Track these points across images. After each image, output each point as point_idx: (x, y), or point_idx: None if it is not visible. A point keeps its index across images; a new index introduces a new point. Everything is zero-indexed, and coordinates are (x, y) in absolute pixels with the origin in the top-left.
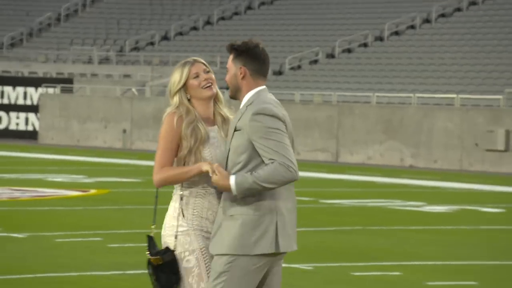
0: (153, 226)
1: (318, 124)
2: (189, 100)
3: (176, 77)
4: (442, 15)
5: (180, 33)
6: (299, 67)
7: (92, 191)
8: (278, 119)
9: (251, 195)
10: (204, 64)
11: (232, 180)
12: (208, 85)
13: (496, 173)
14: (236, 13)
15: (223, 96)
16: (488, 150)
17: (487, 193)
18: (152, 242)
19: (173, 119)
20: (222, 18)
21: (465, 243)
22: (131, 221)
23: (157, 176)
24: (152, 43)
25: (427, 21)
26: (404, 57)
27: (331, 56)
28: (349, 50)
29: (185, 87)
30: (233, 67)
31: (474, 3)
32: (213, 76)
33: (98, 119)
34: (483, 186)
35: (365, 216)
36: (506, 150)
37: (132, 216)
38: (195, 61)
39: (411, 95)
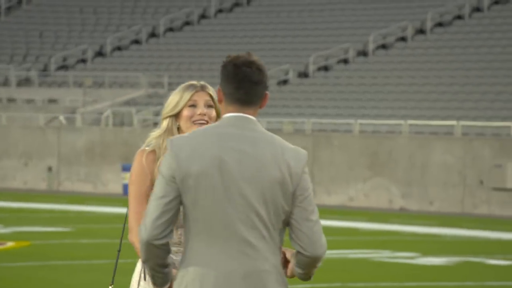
0: (110, 287)
1: None
2: (178, 129)
3: (174, 100)
4: (439, 24)
5: (119, 48)
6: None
7: (10, 244)
8: (168, 156)
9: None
10: (211, 96)
11: None
12: (201, 121)
13: (505, 216)
14: (187, 23)
15: None
16: (495, 189)
17: (494, 241)
18: None
19: (142, 156)
20: (170, 29)
21: None
22: (58, 281)
23: (134, 239)
24: (83, 60)
25: (420, 31)
26: (393, 76)
27: (304, 75)
28: (325, 68)
29: (178, 114)
30: None
31: (478, 10)
32: (213, 113)
33: (16, 155)
34: (489, 233)
35: (346, 270)
36: None
37: (59, 275)
38: (202, 88)
39: (402, 122)
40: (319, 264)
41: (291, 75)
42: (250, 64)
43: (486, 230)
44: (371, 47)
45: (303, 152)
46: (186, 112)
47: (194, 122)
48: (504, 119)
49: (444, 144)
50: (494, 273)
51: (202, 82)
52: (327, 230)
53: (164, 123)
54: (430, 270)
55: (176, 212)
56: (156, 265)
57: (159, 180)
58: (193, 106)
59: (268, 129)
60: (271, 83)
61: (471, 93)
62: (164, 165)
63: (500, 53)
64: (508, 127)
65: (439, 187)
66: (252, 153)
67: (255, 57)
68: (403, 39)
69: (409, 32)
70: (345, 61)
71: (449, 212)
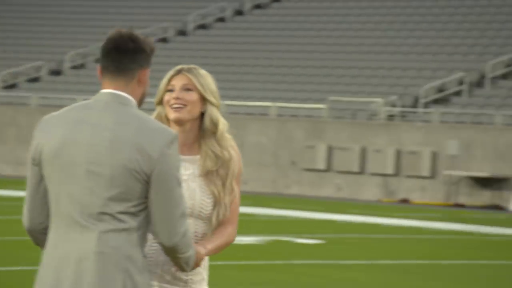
0: None
1: None
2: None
3: (161, 84)
4: (258, 6)
5: None
6: (82, 65)
7: None
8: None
9: None
10: (193, 79)
11: None
12: (176, 106)
13: (315, 197)
14: None
15: (223, 126)
16: (306, 170)
17: (303, 221)
18: None
19: None
20: None
21: (276, 281)
22: None
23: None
24: None
25: (239, 12)
26: (211, 56)
27: None
28: None
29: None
30: None
31: None
32: (193, 98)
33: None
34: (299, 212)
35: None
36: (328, 169)
37: None
38: (181, 70)
39: None
40: (183, 255)
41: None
42: (122, 35)
43: (297, 210)
44: (190, 26)
45: (166, 133)
46: (165, 97)
47: (171, 107)
48: (317, 101)
49: (258, 125)
50: (301, 251)
51: (186, 66)
52: None
53: (155, 111)
54: (240, 249)
55: (47, 195)
56: None
57: (29, 168)
58: (171, 90)
59: None
60: (89, 60)
61: (287, 75)
62: (30, 153)
63: (315, 36)
64: (320, 109)
65: (253, 167)
66: (104, 134)
67: (135, 32)
68: (222, 19)
69: (228, 13)
70: (165, 40)
71: (263, 192)
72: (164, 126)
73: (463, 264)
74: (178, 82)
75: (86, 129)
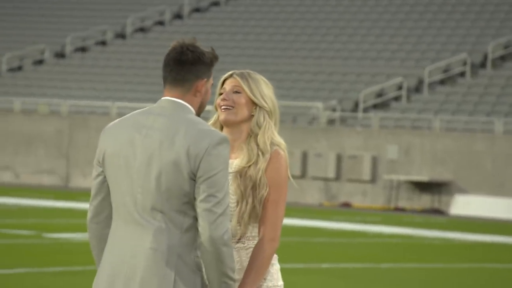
0: None
1: (44, 139)
2: None
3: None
4: (196, 10)
5: None
6: (19, 68)
7: None
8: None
9: None
10: (241, 81)
11: None
12: (224, 107)
13: None
14: None
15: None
16: None
17: None
18: None
19: None
20: None
21: None
22: None
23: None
24: None
25: (178, 16)
26: (150, 59)
27: (60, 55)
28: (83, 49)
29: None
30: None
31: None
32: (240, 100)
33: None
34: None
35: None
36: None
37: None
38: (231, 75)
39: None
40: (224, 267)
41: (47, 55)
42: (183, 46)
43: None
44: (129, 30)
45: (214, 134)
46: (217, 101)
47: (220, 109)
48: None
49: None
50: None
51: (239, 71)
52: (83, 213)
53: (215, 114)
54: None
55: (109, 195)
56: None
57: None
58: (221, 94)
59: (23, 110)
60: (26, 62)
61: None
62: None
63: (254, 40)
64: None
65: None
66: (156, 135)
67: (196, 42)
68: (161, 23)
69: (167, 16)
70: (103, 42)
71: None
72: (214, 129)
73: (403, 268)
74: (228, 85)
75: (142, 132)
